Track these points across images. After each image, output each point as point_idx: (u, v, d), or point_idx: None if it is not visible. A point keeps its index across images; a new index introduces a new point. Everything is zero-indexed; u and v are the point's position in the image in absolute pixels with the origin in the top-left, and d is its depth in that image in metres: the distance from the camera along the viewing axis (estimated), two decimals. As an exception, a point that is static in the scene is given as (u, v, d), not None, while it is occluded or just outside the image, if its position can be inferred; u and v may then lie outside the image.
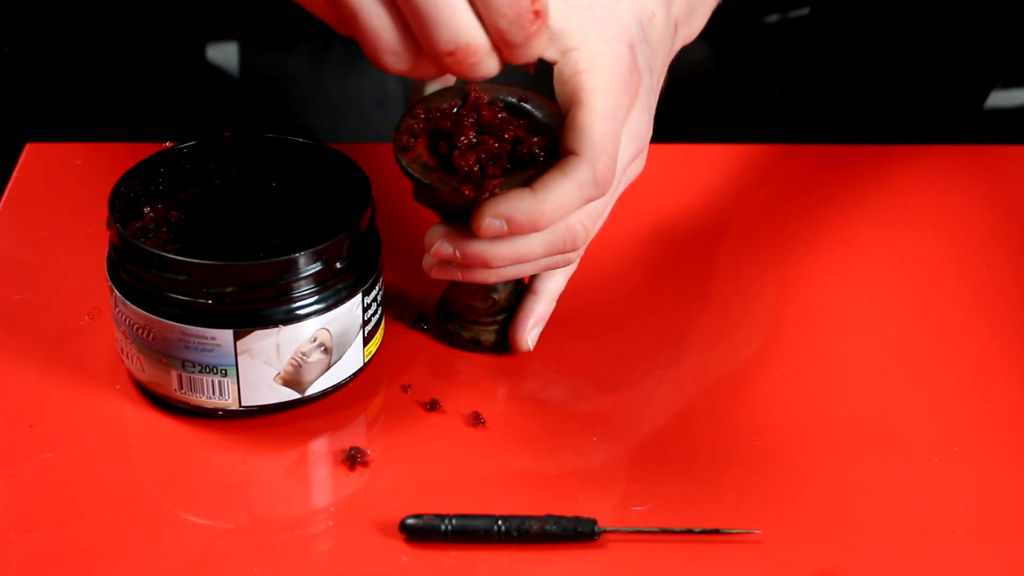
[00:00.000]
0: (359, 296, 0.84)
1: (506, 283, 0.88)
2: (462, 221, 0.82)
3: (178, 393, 0.84)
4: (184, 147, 0.89)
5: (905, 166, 1.05)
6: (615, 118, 0.81)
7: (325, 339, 0.83)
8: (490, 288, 0.88)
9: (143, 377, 0.85)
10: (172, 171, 0.89)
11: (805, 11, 1.25)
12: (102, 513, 0.80)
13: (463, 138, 0.83)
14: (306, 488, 0.83)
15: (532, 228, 0.80)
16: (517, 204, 0.80)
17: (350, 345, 0.85)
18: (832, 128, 1.19)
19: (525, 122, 0.84)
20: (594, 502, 0.81)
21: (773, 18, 1.30)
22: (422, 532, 0.78)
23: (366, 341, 0.86)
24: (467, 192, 0.80)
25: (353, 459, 0.83)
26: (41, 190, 1.01)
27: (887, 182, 1.04)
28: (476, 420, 0.86)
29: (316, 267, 0.82)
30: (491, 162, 0.82)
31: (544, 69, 0.87)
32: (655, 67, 0.86)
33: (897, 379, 0.89)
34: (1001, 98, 1.33)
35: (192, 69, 1.23)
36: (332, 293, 0.83)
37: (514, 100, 0.85)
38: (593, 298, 0.93)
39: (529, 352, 0.90)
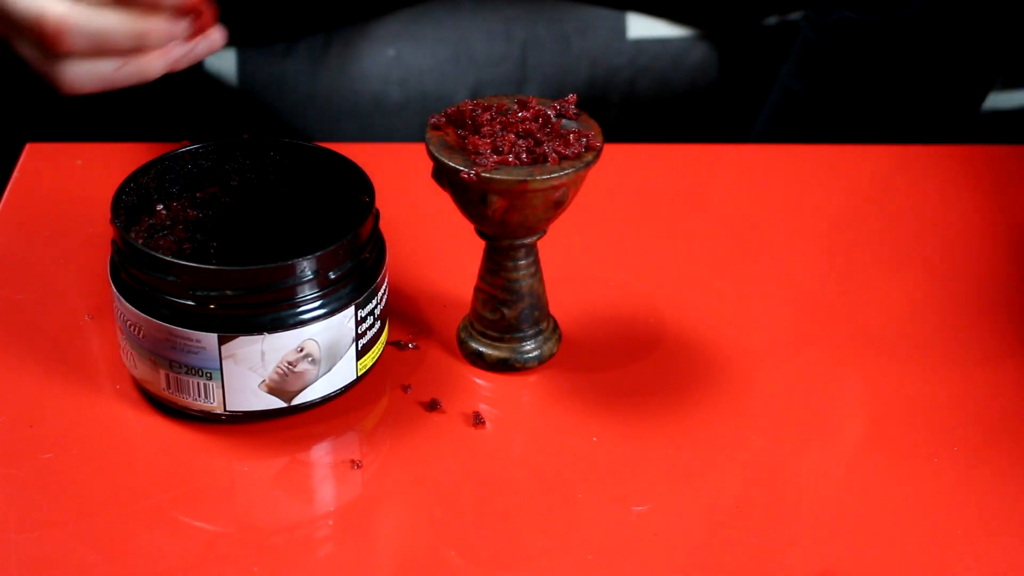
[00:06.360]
0: (351, 309, 0.83)
1: (516, 302, 0.87)
2: (481, 203, 0.82)
3: (167, 392, 0.84)
4: (200, 147, 0.88)
5: (905, 166, 1.05)
6: None
7: (313, 350, 0.82)
8: (499, 302, 0.87)
9: (136, 374, 0.85)
10: (184, 171, 0.88)
11: (803, 13, 1.25)
12: (102, 513, 0.80)
13: (486, 128, 0.83)
14: (306, 489, 0.83)
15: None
16: None
17: (341, 357, 0.84)
18: (831, 128, 1.19)
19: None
20: (594, 502, 0.81)
21: (772, 20, 1.30)
22: None
23: (360, 355, 0.85)
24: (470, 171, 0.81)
25: (353, 459, 0.83)
26: (41, 190, 1.01)
27: (887, 182, 1.04)
28: (476, 420, 0.86)
29: (307, 276, 0.81)
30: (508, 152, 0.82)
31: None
32: None
33: (897, 379, 0.89)
34: (1000, 99, 1.33)
35: (191, 72, 1.23)
36: (322, 304, 0.82)
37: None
38: (592, 298, 0.93)
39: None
